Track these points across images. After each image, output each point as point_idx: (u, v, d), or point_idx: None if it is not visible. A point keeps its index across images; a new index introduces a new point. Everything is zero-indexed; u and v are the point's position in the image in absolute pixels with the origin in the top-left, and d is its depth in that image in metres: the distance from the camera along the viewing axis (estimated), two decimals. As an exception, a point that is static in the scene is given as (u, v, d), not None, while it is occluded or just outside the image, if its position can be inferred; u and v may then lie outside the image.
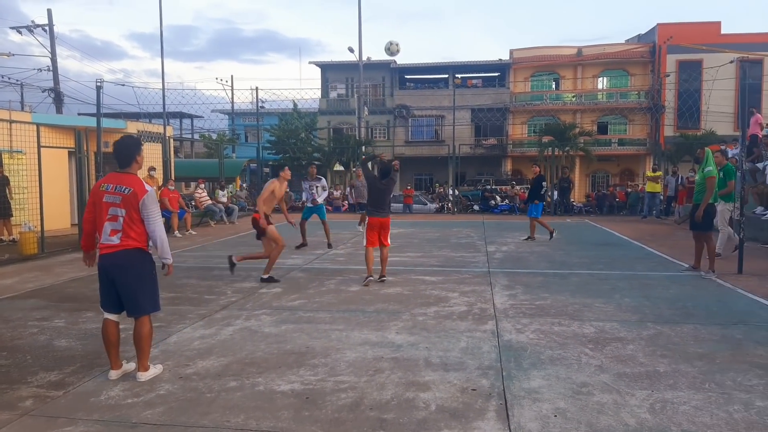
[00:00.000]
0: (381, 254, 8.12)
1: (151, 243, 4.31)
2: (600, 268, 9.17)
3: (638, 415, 3.59)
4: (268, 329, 5.62)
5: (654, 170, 21.64)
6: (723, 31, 34.21)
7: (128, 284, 4.24)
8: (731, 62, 21.20)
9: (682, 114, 34.59)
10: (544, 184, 13.30)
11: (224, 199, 19.11)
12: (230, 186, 23.41)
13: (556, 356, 4.74)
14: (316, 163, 12.75)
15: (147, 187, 4.21)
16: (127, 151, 4.25)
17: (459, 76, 39.83)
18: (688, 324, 5.68)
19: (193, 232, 14.93)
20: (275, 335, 5.41)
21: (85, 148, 12.15)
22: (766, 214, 11.68)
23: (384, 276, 8.05)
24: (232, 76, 45.66)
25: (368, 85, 38.44)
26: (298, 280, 8.28)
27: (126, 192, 4.13)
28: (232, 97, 39.36)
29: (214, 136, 36.95)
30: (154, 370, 4.35)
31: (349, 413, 3.63)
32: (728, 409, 3.67)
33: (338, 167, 32.95)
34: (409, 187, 27.09)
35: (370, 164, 9.76)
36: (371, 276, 7.86)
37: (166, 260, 4.39)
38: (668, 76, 34.44)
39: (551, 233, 12.57)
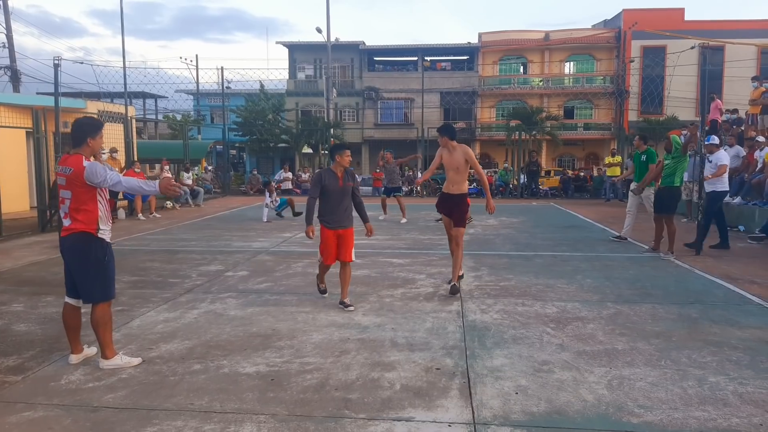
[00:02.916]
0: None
1: (104, 227, 4.07)
2: (563, 249, 9.35)
3: (596, 391, 3.70)
4: (234, 312, 5.59)
5: (613, 155, 22.15)
6: (686, 18, 34.88)
7: (76, 270, 4.10)
8: (692, 48, 21.66)
9: (645, 99, 35.27)
10: None
11: (189, 182, 18.78)
12: (195, 168, 22.99)
13: (518, 335, 4.84)
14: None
15: (84, 162, 3.95)
16: (80, 131, 4.07)
17: (428, 58, 39.73)
18: (646, 303, 5.86)
19: (158, 215, 14.66)
20: (241, 318, 5.38)
21: (43, 129, 11.77)
22: (734, 199, 12.01)
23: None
24: (197, 56, 44.60)
25: (337, 66, 38.04)
26: (266, 263, 8.23)
27: (68, 173, 3.98)
28: (197, 77, 38.51)
29: (179, 117, 36.15)
30: (119, 360, 4.13)
31: (314, 394, 3.65)
32: (683, 384, 3.81)
33: (307, 150, 32.66)
34: (378, 170, 27.06)
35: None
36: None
37: (153, 191, 4.23)
38: (632, 61, 35.00)
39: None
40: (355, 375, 3.96)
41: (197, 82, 37.52)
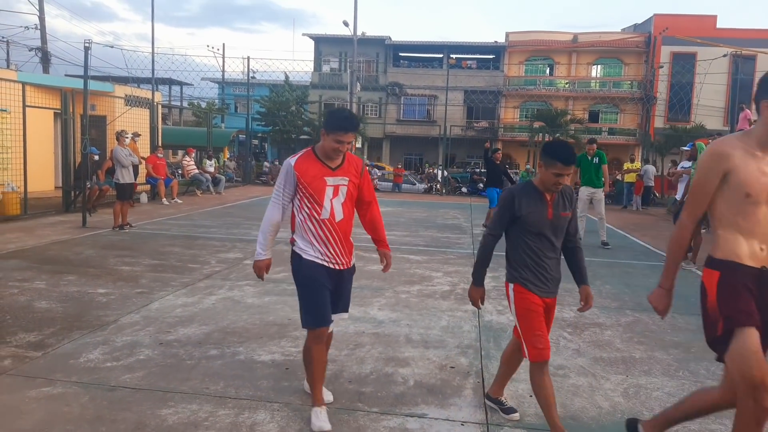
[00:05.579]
0: None
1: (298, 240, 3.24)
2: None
3: (612, 398, 3.66)
4: (251, 300, 5.63)
5: (632, 161, 21.95)
6: (718, 26, 34.23)
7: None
8: (725, 56, 21.29)
9: (673, 106, 34.72)
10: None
11: (211, 169, 18.96)
12: (218, 156, 23.19)
13: (535, 338, 4.80)
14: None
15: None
16: None
17: (454, 56, 39.56)
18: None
19: (179, 201, 14.82)
20: (258, 306, 5.42)
21: (71, 110, 11.95)
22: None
23: None
24: (224, 45, 45.17)
25: (362, 60, 38.03)
26: (283, 253, 8.23)
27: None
28: (223, 66, 38.88)
29: (203, 105, 36.50)
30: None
31: (328, 385, 3.65)
32: (699, 396, 3.74)
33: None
34: (399, 166, 27.11)
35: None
36: None
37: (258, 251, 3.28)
38: (662, 67, 34.45)
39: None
40: (369, 369, 3.97)
41: (223, 71, 37.83)
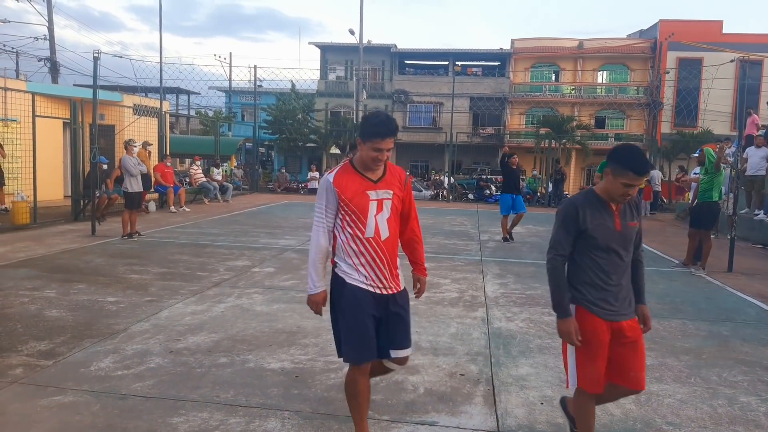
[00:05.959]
0: None
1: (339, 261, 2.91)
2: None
3: (624, 406, 3.63)
4: (260, 308, 5.63)
5: None
6: (724, 31, 34.14)
7: None
8: (732, 62, 21.24)
9: (680, 111, 34.60)
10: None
11: (219, 177, 19.04)
12: (225, 164, 23.29)
13: (544, 345, 4.78)
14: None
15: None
16: None
17: (459, 63, 39.59)
18: (676, 319, 5.74)
19: (187, 209, 14.89)
20: (267, 314, 5.42)
21: (80, 120, 12.05)
22: (758, 214, 11.77)
23: None
24: (230, 54, 45.46)
25: (368, 68, 38.16)
26: (292, 260, 8.28)
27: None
28: (230, 75, 39.06)
29: (211, 114, 36.67)
30: None
31: (338, 393, 3.65)
32: (712, 403, 3.72)
33: (335, 150, 32.83)
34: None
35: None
36: None
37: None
38: (668, 73, 34.38)
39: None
40: (379, 377, 3.96)
41: (230, 80, 38.04)
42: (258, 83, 30.90)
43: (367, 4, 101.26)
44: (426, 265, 3.23)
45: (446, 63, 40.33)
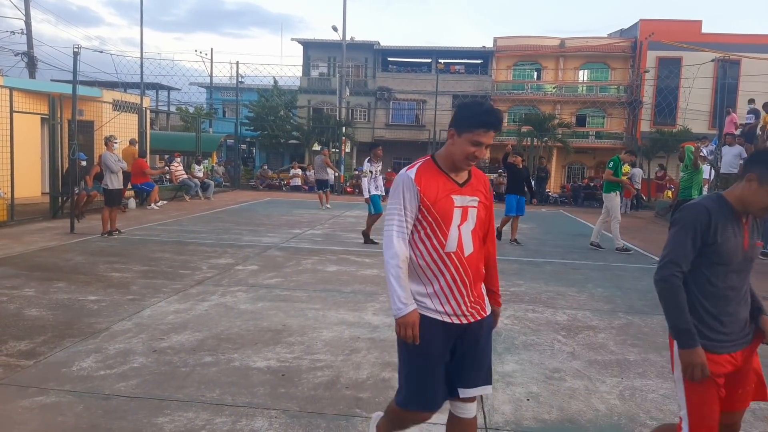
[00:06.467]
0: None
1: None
2: (573, 257, 9.31)
3: (608, 401, 3.67)
4: (244, 306, 5.59)
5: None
6: (704, 30, 34.64)
7: None
8: (712, 61, 21.56)
9: (659, 110, 35.05)
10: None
11: (200, 174, 18.86)
12: (206, 161, 23.07)
13: (529, 342, 4.82)
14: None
15: None
16: None
17: (442, 61, 39.66)
18: (658, 315, 5.81)
19: (158, 206, 14.70)
20: (251, 312, 5.38)
21: (58, 116, 11.84)
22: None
23: None
24: (212, 49, 44.87)
25: (350, 65, 38.02)
26: (276, 258, 8.23)
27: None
28: (211, 71, 38.65)
29: (191, 110, 36.27)
30: None
31: (325, 391, 3.64)
32: (694, 398, 3.77)
33: (317, 147, 32.72)
34: (390, 171, 27.14)
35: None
36: None
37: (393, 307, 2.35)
38: (648, 72, 34.79)
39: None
40: (365, 374, 3.96)
41: (211, 76, 37.66)
42: (240, 79, 30.61)
43: (350, 1, 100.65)
44: None
45: (429, 61, 40.39)
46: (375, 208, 9.95)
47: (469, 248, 2.34)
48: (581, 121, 38.31)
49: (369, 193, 9.90)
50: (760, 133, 14.59)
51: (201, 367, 3.99)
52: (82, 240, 9.16)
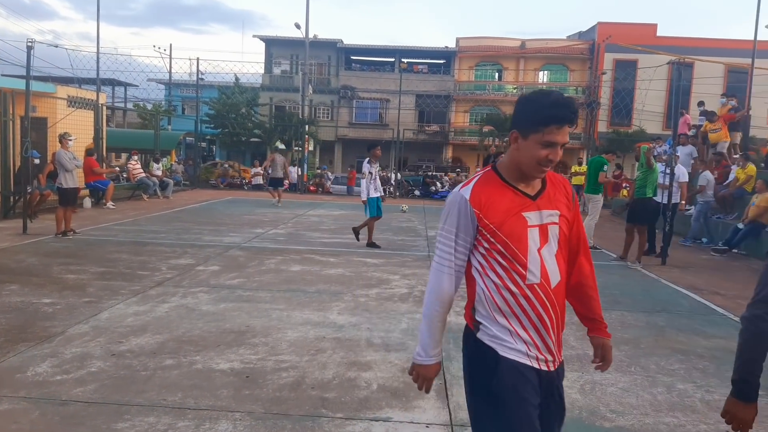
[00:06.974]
0: None
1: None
2: (535, 255, 9.47)
3: (569, 395, 3.74)
4: (206, 307, 5.49)
5: (579, 164, 22.75)
6: (659, 34, 35.73)
7: None
8: (668, 64, 22.31)
9: (616, 111, 36.01)
10: None
11: (159, 173, 18.45)
12: (165, 159, 22.59)
13: (493, 339, 4.87)
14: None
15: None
16: None
17: (405, 60, 39.86)
18: (615, 311, 5.97)
19: (113, 206, 14.31)
20: (213, 313, 5.29)
21: (10, 112, 11.40)
22: (689, 210, 12.37)
23: None
24: (170, 45, 44.01)
25: (314, 63, 37.83)
26: (238, 258, 8.12)
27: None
28: (170, 67, 37.83)
29: (149, 107, 35.44)
30: None
31: (290, 392, 3.61)
32: (652, 391, 3.89)
33: (279, 145, 32.41)
34: (351, 169, 27.11)
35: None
36: None
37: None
38: (605, 73, 35.70)
39: None
40: (331, 374, 3.94)
41: (170, 72, 36.87)
42: (200, 76, 30.08)
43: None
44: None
45: (392, 60, 40.52)
46: (373, 211, 9.56)
47: (555, 277, 1.90)
48: (541, 121, 38.97)
49: (368, 195, 9.47)
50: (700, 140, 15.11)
51: (162, 370, 3.90)
52: (36, 241, 8.85)
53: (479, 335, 1.93)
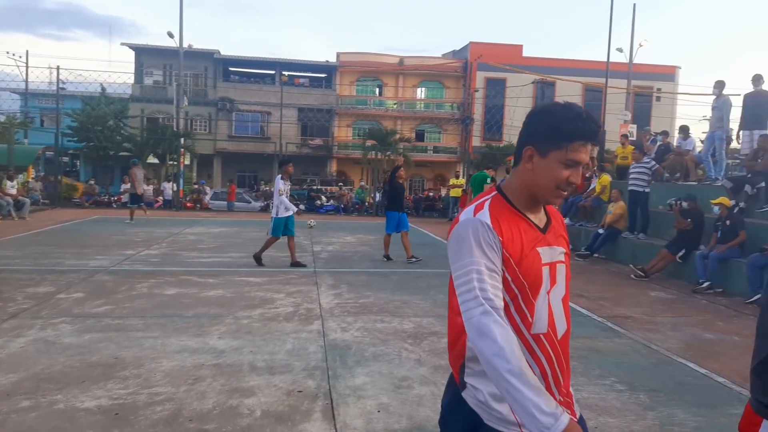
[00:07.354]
0: None
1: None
2: (416, 266, 9.71)
3: None
4: (69, 339, 5.01)
5: (457, 177, 23.91)
6: (524, 54, 38.43)
7: None
8: (532, 83, 24.08)
9: (488, 126, 38.18)
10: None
11: (13, 191, 16.72)
12: (21, 176, 20.53)
13: (378, 353, 4.90)
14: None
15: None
16: None
17: (286, 73, 39.52)
18: (493, 318, 6.24)
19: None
20: (77, 346, 4.83)
21: None
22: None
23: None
24: (27, 51, 40.21)
25: (189, 73, 36.34)
26: (105, 283, 7.52)
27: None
28: (27, 75, 34.56)
29: (2, 119, 32.10)
30: None
31: (165, 427, 3.37)
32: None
33: (153, 159, 30.67)
34: (230, 183, 26.28)
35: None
36: None
37: None
38: (477, 91, 37.74)
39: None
40: (211, 403, 3.73)
41: (26, 81, 33.72)
42: (61, 85, 27.74)
43: (188, 7, 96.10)
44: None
45: (273, 72, 40.01)
46: (277, 231, 9.24)
47: (562, 325, 1.63)
48: (420, 136, 40.38)
49: (277, 214, 9.17)
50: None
51: (17, 413, 3.48)
52: None
53: (465, 393, 1.65)
